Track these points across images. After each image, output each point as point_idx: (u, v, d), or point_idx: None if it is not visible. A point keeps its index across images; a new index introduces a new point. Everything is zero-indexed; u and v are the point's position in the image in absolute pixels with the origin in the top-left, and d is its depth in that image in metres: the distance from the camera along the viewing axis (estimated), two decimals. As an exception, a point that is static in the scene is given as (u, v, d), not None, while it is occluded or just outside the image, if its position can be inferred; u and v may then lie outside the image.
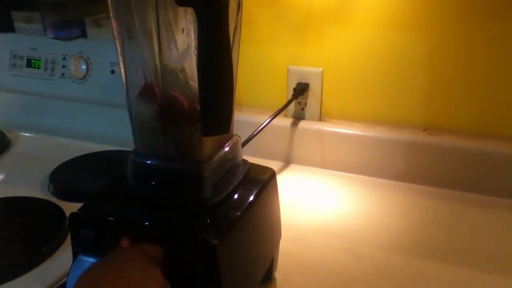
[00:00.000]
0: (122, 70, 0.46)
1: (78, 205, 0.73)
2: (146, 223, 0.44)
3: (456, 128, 0.79)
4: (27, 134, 1.02)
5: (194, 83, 0.43)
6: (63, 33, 0.94)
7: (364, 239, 0.67)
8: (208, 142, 0.46)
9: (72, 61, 0.93)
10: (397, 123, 0.82)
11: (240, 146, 0.53)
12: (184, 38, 0.43)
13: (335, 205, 0.75)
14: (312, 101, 0.86)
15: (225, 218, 0.46)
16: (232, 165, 0.51)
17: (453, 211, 0.73)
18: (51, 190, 0.79)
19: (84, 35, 0.93)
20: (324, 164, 0.86)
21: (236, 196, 0.49)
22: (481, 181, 0.76)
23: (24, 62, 0.99)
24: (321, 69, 0.84)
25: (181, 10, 0.41)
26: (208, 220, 0.45)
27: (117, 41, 0.45)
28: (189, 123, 0.46)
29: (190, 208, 0.46)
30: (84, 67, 0.93)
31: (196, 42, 0.40)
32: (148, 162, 0.48)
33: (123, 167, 0.50)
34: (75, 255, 0.48)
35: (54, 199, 0.76)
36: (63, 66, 0.95)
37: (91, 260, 0.47)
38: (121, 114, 0.94)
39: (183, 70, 0.44)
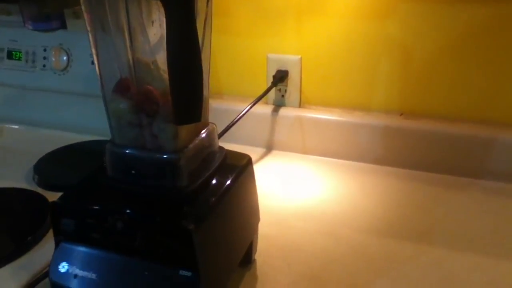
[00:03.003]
0: (96, 63, 0.47)
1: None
2: (125, 211, 0.46)
3: (431, 112, 0.81)
4: (10, 126, 1.02)
5: (167, 75, 0.44)
6: (42, 25, 0.93)
7: (342, 222, 0.69)
8: (183, 132, 0.48)
9: (53, 52, 0.93)
10: (374, 108, 0.84)
11: (216, 134, 0.54)
12: (155, 31, 0.44)
13: (314, 190, 0.77)
14: (291, 88, 0.88)
15: (201, 204, 0.47)
16: (209, 153, 0.53)
17: (429, 193, 0.75)
18: (36, 181, 0.80)
19: (64, 26, 0.93)
20: (305, 150, 0.88)
21: (212, 182, 0.51)
22: (456, 163, 0.79)
23: (5, 54, 0.99)
24: (299, 56, 0.85)
25: (151, 3, 0.42)
26: (184, 207, 0.46)
27: (90, 35, 0.46)
28: (164, 114, 0.47)
29: (168, 196, 0.48)
30: (65, 58, 0.93)
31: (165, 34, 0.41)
32: (125, 152, 0.49)
33: (101, 158, 0.51)
34: (57, 242, 0.49)
35: (39, 190, 0.77)
36: (44, 58, 0.95)
37: (73, 247, 0.48)
38: (102, 104, 0.96)
39: (155, 62, 0.45)
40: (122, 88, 0.47)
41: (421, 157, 0.80)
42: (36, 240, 0.65)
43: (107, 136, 0.90)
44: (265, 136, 0.90)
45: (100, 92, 0.85)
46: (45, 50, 0.95)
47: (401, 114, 0.82)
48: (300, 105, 0.89)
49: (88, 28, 0.46)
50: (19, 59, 0.97)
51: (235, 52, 0.90)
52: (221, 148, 0.55)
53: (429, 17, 0.76)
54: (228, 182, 0.51)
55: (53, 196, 0.72)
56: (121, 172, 0.50)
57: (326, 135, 0.86)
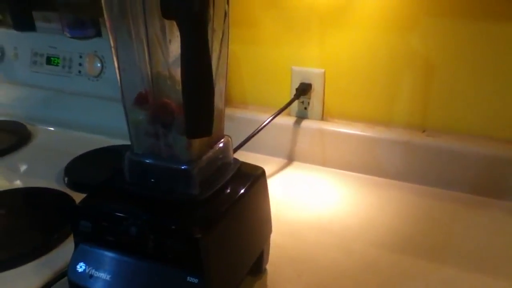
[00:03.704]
0: (118, 75, 0.50)
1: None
2: (139, 216, 0.48)
3: (453, 129, 0.80)
4: (46, 128, 1.08)
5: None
6: (79, 32, 0.98)
7: (356, 235, 0.70)
8: (196, 143, 0.50)
9: (87, 59, 0.97)
10: (396, 123, 0.84)
11: (230, 146, 0.56)
12: (173, 46, 0.46)
13: (332, 202, 0.78)
14: (314, 100, 0.89)
15: (211, 213, 0.49)
16: (222, 163, 0.55)
17: (447, 211, 0.75)
18: (66, 182, 0.84)
19: (99, 34, 0.98)
20: (325, 162, 0.89)
21: (224, 192, 0.52)
22: (477, 182, 0.78)
23: (44, 59, 1.04)
24: (323, 70, 0.86)
25: (168, 21, 0.44)
26: (195, 215, 0.49)
27: (112, 47, 0.49)
28: (179, 126, 0.49)
29: (180, 204, 0.50)
30: (98, 65, 0.97)
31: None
32: (142, 160, 0.51)
33: (121, 162, 0.54)
34: (76, 243, 0.52)
35: (68, 191, 0.81)
36: (80, 64, 1.00)
37: (90, 248, 0.51)
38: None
39: (172, 76, 0.47)
40: (141, 100, 0.50)
41: (441, 174, 0.80)
42: (61, 238, 0.68)
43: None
44: (286, 147, 0.91)
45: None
46: (80, 56, 0.99)
47: (424, 131, 0.82)
48: (323, 117, 0.90)
49: (111, 40, 0.48)
50: (57, 64, 1.02)
51: (260, 63, 0.92)
52: (235, 159, 0.57)
53: (453, 32, 0.75)
54: (240, 192, 0.53)
55: (80, 197, 0.76)
56: (138, 178, 0.52)
57: (346, 149, 0.86)
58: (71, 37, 0.98)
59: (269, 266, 0.63)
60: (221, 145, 0.54)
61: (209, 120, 0.44)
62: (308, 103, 0.89)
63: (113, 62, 0.50)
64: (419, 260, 0.64)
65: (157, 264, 0.48)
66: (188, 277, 0.47)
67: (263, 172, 0.58)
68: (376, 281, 0.61)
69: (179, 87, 0.47)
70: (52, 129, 1.07)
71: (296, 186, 0.83)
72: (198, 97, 0.42)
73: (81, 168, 0.89)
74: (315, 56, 0.86)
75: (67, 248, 0.67)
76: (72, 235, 0.68)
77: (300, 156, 0.91)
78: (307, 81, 0.88)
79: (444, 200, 0.77)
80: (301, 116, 0.91)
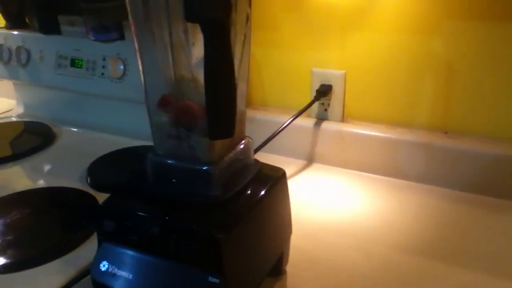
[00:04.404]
0: (142, 77, 0.51)
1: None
2: (161, 217, 0.49)
3: (476, 131, 0.79)
4: (70, 129, 1.10)
5: (204, 92, 0.48)
6: (102, 35, 1.00)
7: (375, 238, 0.69)
8: (218, 145, 0.51)
9: (111, 62, 0.99)
10: (416, 125, 0.84)
11: (251, 147, 0.57)
12: (196, 50, 0.47)
13: (351, 204, 0.78)
14: (334, 102, 0.89)
15: (233, 214, 0.50)
16: (243, 165, 0.55)
17: (469, 214, 0.74)
18: (88, 182, 0.86)
19: (122, 37, 1.00)
20: (345, 164, 0.89)
21: (245, 193, 0.53)
22: (500, 185, 0.77)
23: (69, 62, 1.06)
24: (343, 71, 0.86)
25: (191, 24, 0.45)
26: (216, 216, 0.49)
27: (137, 49, 0.50)
28: (201, 128, 0.50)
29: (202, 204, 0.51)
30: (121, 67, 0.99)
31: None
32: (165, 162, 0.52)
33: (144, 164, 0.55)
34: (99, 242, 0.54)
35: (91, 191, 0.82)
36: (103, 66, 1.01)
37: (113, 247, 0.52)
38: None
39: (195, 79, 0.48)
40: (164, 102, 0.51)
41: (463, 177, 0.79)
42: (84, 237, 0.70)
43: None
44: (306, 149, 0.92)
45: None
46: (104, 59, 1.01)
47: (446, 133, 0.81)
48: (343, 119, 0.89)
49: (135, 44, 0.49)
50: (81, 67, 1.04)
51: (280, 65, 0.92)
52: (256, 161, 0.58)
53: (474, 34, 0.75)
54: (260, 193, 0.53)
55: (103, 197, 0.77)
56: (160, 179, 0.53)
57: (367, 150, 0.86)
58: (95, 40, 1.00)
59: (289, 268, 0.63)
60: (242, 146, 0.55)
61: (231, 122, 0.44)
62: (328, 104, 0.89)
63: (137, 65, 0.51)
64: (438, 263, 0.64)
65: (178, 264, 0.49)
66: (209, 277, 0.48)
67: (283, 174, 0.58)
68: (396, 284, 0.60)
69: (202, 89, 0.48)
70: (75, 130, 1.09)
71: (316, 187, 0.83)
72: (220, 99, 0.43)
73: (103, 169, 0.90)
74: (335, 58, 0.86)
75: (90, 246, 0.68)
76: (95, 234, 0.71)
77: (320, 157, 0.91)
78: (327, 83, 0.88)
79: (465, 203, 0.77)
80: (321, 118, 0.91)
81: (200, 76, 0.48)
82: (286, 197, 0.59)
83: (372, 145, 0.85)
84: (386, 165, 0.85)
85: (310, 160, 0.92)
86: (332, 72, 0.87)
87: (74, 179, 0.87)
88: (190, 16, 0.42)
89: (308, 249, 0.67)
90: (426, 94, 0.81)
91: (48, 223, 0.74)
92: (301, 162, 0.92)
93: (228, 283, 0.47)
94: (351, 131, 0.87)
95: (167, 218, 0.49)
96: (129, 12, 0.48)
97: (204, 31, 0.41)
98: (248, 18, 0.49)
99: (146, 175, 0.55)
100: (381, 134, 0.85)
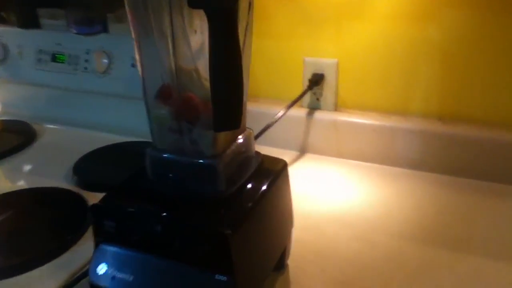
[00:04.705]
0: (140, 69, 0.48)
1: (100, 195, 0.77)
2: (164, 215, 0.47)
3: (471, 117, 0.79)
4: (52, 126, 1.06)
5: (208, 82, 0.45)
6: (85, 29, 0.97)
7: (377, 227, 0.69)
8: (221, 137, 0.49)
9: (94, 55, 0.96)
10: (411, 112, 0.83)
11: (252, 139, 0.55)
12: (197, 39, 0.45)
13: (349, 194, 0.77)
14: (327, 91, 0.88)
15: (238, 209, 0.48)
16: (245, 157, 0.54)
17: (467, 199, 0.74)
18: (74, 180, 0.83)
19: (105, 30, 0.96)
20: (339, 153, 0.87)
21: (249, 187, 0.51)
22: (496, 169, 0.77)
23: (49, 57, 1.02)
24: (336, 60, 0.85)
25: (194, 11, 0.43)
26: (222, 211, 0.47)
27: (134, 40, 0.48)
28: (204, 121, 0.48)
29: (205, 200, 0.49)
30: (105, 61, 0.96)
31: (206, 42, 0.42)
32: (166, 157, 0.50)
33: (143, 160, 0.52)
34: (97, 244, 0.51)
35: (77, 190, 0.79)
36: (86, 61, 0.98)
37: (112, 249, 0.50)
38: (141, 107, 0.98)
39: (197, 70, 0.46)
40: (164, 94, 0.49)
41: (459, 162, 0.79)
42: (74, 240, 0.67)
43: (145, 138, 0.92)
44: (299, 139, 0.90)
45: (140, 95, 0.88)
46: (87, 53, 0.98)
47: (440, 119, 0.81)
48: (336, 108, 0.88)
49: (133, 34, 0.47)
50: (63, 61, 1.01)
51: (272, 55, 0.90)
52: (257, 153, 0.56)
53: (469, 22, 0.74)
54: (264, 187, 0.52)
55: (90, 196, 0.75)
56: (161, 175, 0.51)
57: (361, 139, 0.85)
58: (77, 34, 0.97)
59: (291, 261, 0.62)
60: (243, 138, 0.53)
61: (238, 112, 0.43)
62: (321, 94, 0.88)
63: (135, 56, 0.48)
64: (443, 251, 0.63)
65: (183, 263, 0.47)
66: (216, 275, 0.46)
67: (285, 165, 0.57)
68: (402, 273, 0.60)
69: (205, 80, 0.46)
70: (58, 127, 1.05)
71: (311, 178, 0.82)
72: (227, 89, 0.41)
73: (90, 167, 0.87)
74: (328, 47, 0.85)
75: (82, 249, 0.65)
76: (85, 236, 0.68)
77: (313, 148, 0.90)
78: (319, 72, 0.87)
79: (462, 189, 0.77)
80: (314, 107, 0.90)
81: (203, 66, 0.46)
82: (288, 189, 0.58)
83: (367, 134, 0.85)
84: (381, 154, 0.84)
85: (303, 151, 0.91)
86: (325, 61, 0.86)
87: (59, 179, 0.84)
88: (194, 3, 0.39)
89: (309, 242, 0.66)
90: (420, 82, 0.81)
91: (34, 226, 0.71)
92: (294, 153, 0.90)
93: (236, 280, 0.45)
94: (344, 120, 0.86)
95: (171, 215, 0.47)
96: (125, 0, 0.45)
97: (210, 19, 0.39)
98: (251, 6, 0.47)
99: (144, 171, 0.52)
100: (375, 122, 0.84)
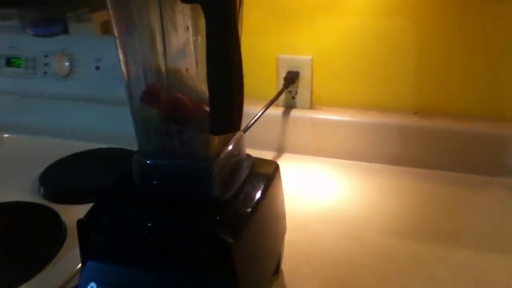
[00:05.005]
0: (124, 70, 0.45)
1: (72, 207, 0.72)
2: (158, 224, 0.44)
3: (448, 110, 0.80)
4: (11, 135, 0.98)
5: (200, 82, 0.43)
6: (43, 30, 0.91)
7: (364, 224, 0.68)
8: (216, 140, 0.46)
9: (55, 58, 0.90)
10: (388, 108, 0.83)
11: (243, 141, 0.52)
12: (187, 36, 0.42)
13: (331, 192, 0.76)
14: (302, 89, 0.86)
15: (237, 215, 0.45)
16: (237, 160, 0.51)
17: (448, 192, 0.75)
18: (41, 192, 0.77)
19: (65, 31, 0.91)
20: (318, 152, 0.86)
21: (244, 192, 0.49)
22: (473, 161, 0.78)
23: (4, 61, 0.95)
24: (310, 57, 0.84)
25: (184, 7, 0.40)
26: (220, 218, 0.44)
27: (118, 40, 0.44)
28: (196, 123, 0.45)
29: (200, 207, 0.46)
30: (67, 64, 0.90)
31: (199, 40, 0.39)
32: (154, 163, 0.47)
33: (122, 167, 0.49)
34: (84, 261, 0.47)
35: (45, 202, 0.74)
36: (46, 64, 0.92)
37: (101, 265, 0.46)
38: (108, 110, 0.94)
39: (187, 69, 0.43)
40: (151, 96, 0.45)
41: (437, 156, 0.79)
42: (48, 257, 0.61)
43: (113, 144, 0.88)
44: (275, 139, 0.88)
45: (106, 97, 0.84)
46: (46, 56, 0.92)
47: (416, 113, 0.81)
48: (311, 106, 0.87)
49: (116, 33, 0.43)
50: (19, 66, 0.94)
51: (244, 53, 0.87)
52: (248, 155, 0.54)
53: (444, 14, 0.75)
54: (261, 191, 0.49)
55: (62, 208, 0.71)
56: (149, 182, 0.48)
57: (339, 136, 0.84)
58: (34, 35, 0.91)
59: (284, 264, 0.60)
60: (236, 140, 0.50)
61: (238, 114, 0.40)
62: (296, 92, 0.87)
63: (118, 56, 0.44)
64: (432, 245, 0.63)
65: (181, 275, 0.44)
66: (216, 286, 0.43)
67: (277, 167, 0.55)
68: (393, 268, 0.59)
69: (197, 80, 0.43)
70: (17, 136, 0.98)
71: (292, 178, 0.80)
72: (227, 89, 0.39)
73: (57, 177, 0.82)
74: (302, 43, 0.83)
75: (58, 267, 0.60)
76: (62, 252, 0.63)
77: (291, 147, 0.88)
78: (294, 69, 0.85)
79: (443, 182, 0.77)
80: (289, 106, 0.88)
81: (194, 65, 0.43)
82: (281, 192, 0.56)
83: (344, 131, 0.84)
84: (359, 150, 0.84)
85: (280, 150, 0.89)
86: (299, 58, 0.84)
87: (23, 191, 0.78)
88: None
89: (299, 243, 0.64)
90: (396, 76, 0.81)
91: (2, 245, 0.65)
92: (272, 154, 0.88)
93: (239, 289, 0.43)
94: (321, 118, 0.85)
95: (165, 224, 0.44)
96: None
97: (207, 14, 0.36)
98: (241, 2, 0.45)
99: (127, 179, 0.49)
100: (352, 119, 0.83)
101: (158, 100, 0.45)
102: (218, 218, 0.45)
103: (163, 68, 0.43)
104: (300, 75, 0.85)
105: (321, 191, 0.76)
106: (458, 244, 0.63)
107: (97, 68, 0.88)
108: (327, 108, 0.87)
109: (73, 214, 0.68)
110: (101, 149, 0.88)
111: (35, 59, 0.93)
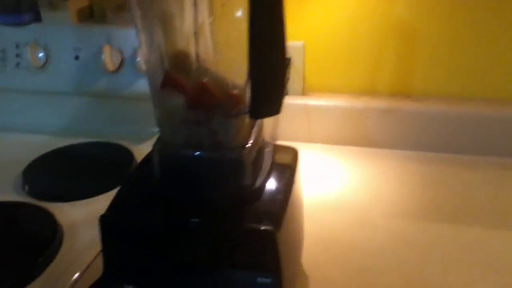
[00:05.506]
0: (145, 58, 0.42)
1: (63, 205, 0.67)
2: (196, 220, 0.41)
3: (439, 93, 0.81)
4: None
5: (225, 68, 0.40)
6: (12, 18, 0.83)
7: (372, 209, 0.67)
8: (245, 127, 0.44)
9: (28, 49, 0.83)
10: (380, 92, 0.83)
11: (263, 127, 0.50)
12: (224, 13, 0.39)
13: (332, 179, 0.75)
14: (294, 75, 0.85)
15: (273, 203, 0.43)
16: (261, 147, 0.49)
17: (447, 173, 0.75)
18: (27, 190, 0.72)
19: (38, 19, 0.84)
20: (311, 138, 0.85)
21: (273, 180, 0.47)
22: (467, 142, 0.79)
23: (-32, 53, 0.88)
24: (302, 42, 0.82)
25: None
26: (258, 208, 0.42)
27: (138, 25, 0.41)
28: (223, 110, 0.42)
29: (232, 198, 0.43)
30: (42, 55, 0.84)
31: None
32: (181, 153, 0.44)
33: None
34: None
35: (32, 201, 0.69)
36: (17, 55, 0.85)
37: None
38: (89, 103, 0.88)
39: (221, 51, 0.41)
40: (174, 83, 0.42)
41: (432, 138, 0.80)
42: (47, 261, 0.57)
43: (94, 138, 0.84)
44: (268, 127, 0.85)
45: (86, 89, 0.78)
46: (17, 46, 0.85)
47: (409, 97, 0.82)
48: (304, 93, 0.86)
49: (136, 18, 0.40)
50: (-14, 58, 0.87)
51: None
52: (268, 142, 0.52)
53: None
54: (288, 178, 0.48)
55: (52, 207, 0.66)
56: (174, 174, 0.45)
57: (332, 122, 0.84)
58: (2, 24, 0.84)
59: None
60: (258, 127, 0.48)
61: (281, 96, 0.38)
62: (288, 78, 0.85)
63: (139, 43, 0.41)
64: (442, 225, 0.63)
65: (216, 271, 0.42)
66: (258, 278, 0.41)
67: (297, 153, 0.53)
68: (412, 253, 0.59)
69: (231, 62, 0.41)
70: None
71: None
72: (272, 69, 0.36)
73: (42, 174, 0.76)
74: (293, 29, 0.82)
75: (58, 270, 0.56)
76: (60, 254, 0.58)
77: (284, 135, 0.86)
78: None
79: (439, 163, 0.78)
80: (280, 93, 0.86)
81: (229, 46, 0.41)
82: (299, 179, 0.54)
83: (338, 116, 0.83)
84: (354, 135, 0.83)
85: (273, 138, 0.86)
86: (290, 44, 0.82)
87: (6, 190, 0.72)
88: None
89: (312, 231, 0.62)
90: (388, 61, 0.81)
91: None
92: (264, 142, 0.86)
93: (283, 281, 0.41)
94: (313, 104, 0.84)
95: (198, 219, 0.41)
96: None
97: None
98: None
99: (143, 172, 0.46)
100: (345, 104, 0.83)
101: (182, 86, 0.42)
102: (252, 207, 0.43)
103: (192, 52, 0.40)
104: (291, 62, 0.83)
105: (321, 179, 0.75)
106: (465, 223, 0.64)
107: (77, 57, 0.83)
108: (320, 94, 0.85)
109: (66, 212, 0.66)
110: (85, 144, 0.83)
111: (4, 50, 0.86)
